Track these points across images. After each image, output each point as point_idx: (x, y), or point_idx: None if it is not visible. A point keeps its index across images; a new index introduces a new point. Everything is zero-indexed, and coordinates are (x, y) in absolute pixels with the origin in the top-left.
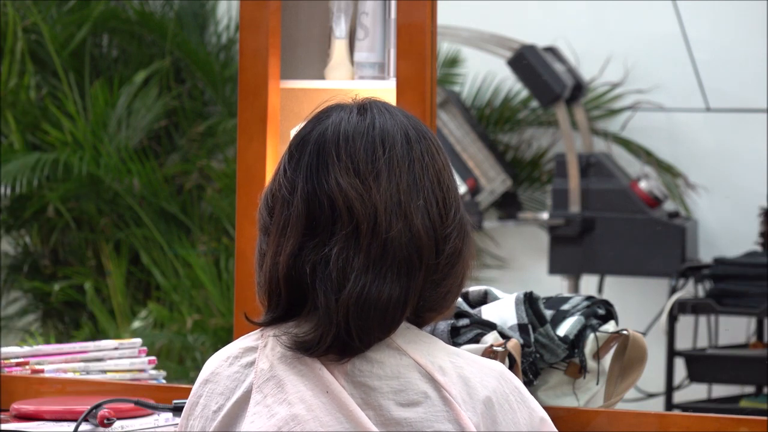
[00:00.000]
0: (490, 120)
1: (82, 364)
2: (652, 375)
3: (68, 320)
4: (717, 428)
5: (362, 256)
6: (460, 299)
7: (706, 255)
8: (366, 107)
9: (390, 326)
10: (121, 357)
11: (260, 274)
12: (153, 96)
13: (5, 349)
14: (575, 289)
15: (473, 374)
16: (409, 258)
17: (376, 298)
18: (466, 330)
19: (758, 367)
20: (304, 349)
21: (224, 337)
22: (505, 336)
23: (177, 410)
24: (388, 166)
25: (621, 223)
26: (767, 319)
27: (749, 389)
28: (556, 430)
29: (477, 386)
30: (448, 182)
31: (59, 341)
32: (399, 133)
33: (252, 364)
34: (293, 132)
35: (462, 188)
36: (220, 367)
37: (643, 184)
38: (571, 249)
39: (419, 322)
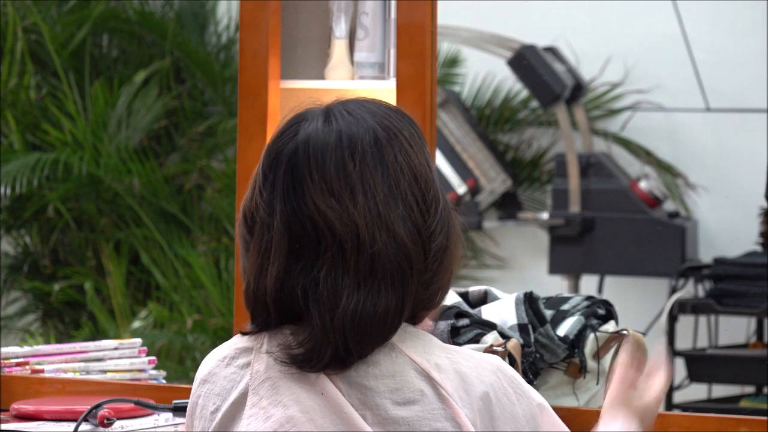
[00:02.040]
0: (490, 120)
1: (82, 364)
2: None
3: (68, 320)
4: (717, 428)
5: (351, 274)
6: (460, 299)
7: (706, 255)
8: (330, 114)
9: (388, 334)
10: (121, 357)
11: (245, 289)
12: (153, 96)
13: (5, 349)
14: (575, 289)
15: (470, 369)
16: (399, 267)
17: (371, 312)
18: (466, 330)
19: (758, 367)
20: (302, 364)
21: (224, 337)
22: (505, 336)
23: (177, 410)
24: (361, 180)
25: (621, 223)
26: (767, 319)
27: (749, 389)
28: (554, 414)
29: (474, 381)
30: (426, 177)
31: (59, 341)
32: (367, 139)
33: (248, 365)
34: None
35: (462, 188)
36: (217, 367)
37: (643, 184)
38: (571, 249)
39: (413, 321)
